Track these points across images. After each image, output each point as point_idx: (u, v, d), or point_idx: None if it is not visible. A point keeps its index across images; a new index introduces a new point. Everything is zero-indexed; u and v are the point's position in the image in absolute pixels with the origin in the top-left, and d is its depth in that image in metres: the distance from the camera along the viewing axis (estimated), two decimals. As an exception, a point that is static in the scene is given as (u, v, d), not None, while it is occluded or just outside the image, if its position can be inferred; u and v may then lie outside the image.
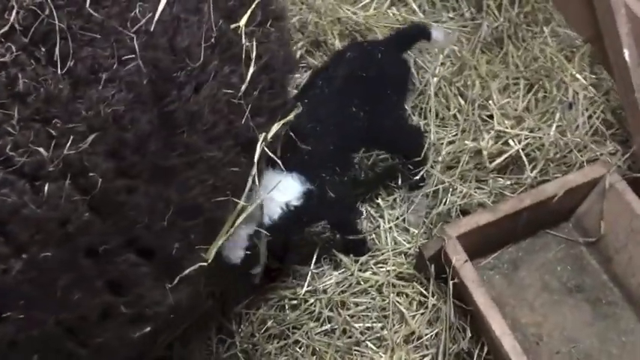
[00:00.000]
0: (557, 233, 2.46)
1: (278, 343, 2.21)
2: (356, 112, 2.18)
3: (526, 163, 2.37)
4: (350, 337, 2.21)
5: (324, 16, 2.77)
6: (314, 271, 2.31)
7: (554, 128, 2.41)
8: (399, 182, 2.47)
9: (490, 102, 2.54)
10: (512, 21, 2.78)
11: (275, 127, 1.31)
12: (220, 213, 1.27)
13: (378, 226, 2.42)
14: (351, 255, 2.34)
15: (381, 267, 2.33)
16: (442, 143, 2.48)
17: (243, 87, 1.18)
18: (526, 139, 2.39)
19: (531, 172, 2.37)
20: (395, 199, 2.48)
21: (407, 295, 2.28)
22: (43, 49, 0.96)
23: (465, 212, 2.38)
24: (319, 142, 2.11)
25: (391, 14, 2.88)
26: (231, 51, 1.19)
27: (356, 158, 2.40)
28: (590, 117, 2.53)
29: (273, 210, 1.97)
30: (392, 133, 2.31)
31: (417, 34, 2.42)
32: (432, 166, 2.44)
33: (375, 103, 2.22)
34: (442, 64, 2.70)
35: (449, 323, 2.19)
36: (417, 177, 2.42)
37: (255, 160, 1.28)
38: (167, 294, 1.24)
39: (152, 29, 1.05)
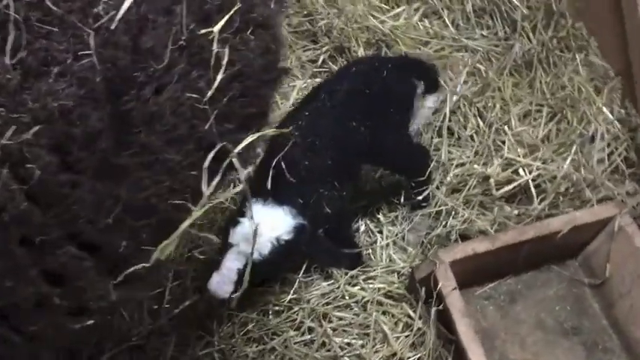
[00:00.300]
0: (561, 270, 2.41)
1: (257, 347, 2.23)
2: (357, 126, 2.17)
3: (534, 194, 2.32)
4: (329, 351, 2.21)
5: (352, 23, 2.76)
6: (302, 279, 2.31)
7: (568, 161, 2.36)
8: (402, 200, 2.45)
9: (506, 127, 2.50)
10: (546, 45, 2.73)
11: (248, 139, 1.31)
12: (177, 215, 1.28)
13: (375, 242, 2.41)
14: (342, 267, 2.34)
15: (371, 283, 2.32)
16: (452, 164, 2.45)
17: (210, 92, 1.19)
18: (537, 169, 2.34)
19: (539, 204, 2.32)
20: (397, 216, 2.46)
21: (393, 315, 2.26)
22: (-3, 37, 0.99)
23: (465, 237, 2.35)
24: (318, 155, 2.12)
25: (422, 26, 2.85)
26: (202, 55, 1.20)
27: (359, 172, 2.38)
28: (611, 153, 2.47)
29: (264, 245, 1.97)
30: (394, 151, 2.31)
31: (425, 73, 2.43)
32: (437, 187, 2.42)
33: (378, 119, 2.21)
34: (465, 82, 2.66)
35: (432, 349, 2.17)
36: (420, 197, 2.40)
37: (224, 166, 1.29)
38: (111, 290, 1.26)
39: (113, 27, 1.07)
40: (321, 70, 2.80)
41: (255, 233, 1.69)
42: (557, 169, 2.33)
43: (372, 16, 2.84)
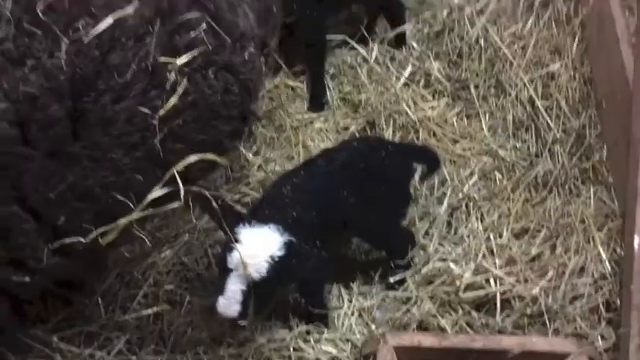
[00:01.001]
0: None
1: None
2: (346, 196, 2.42)
3: (498, 308, 2.47)
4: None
5: (387, 103, 3.03)
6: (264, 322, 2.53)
7: (540, 285, 2.49)
8: (377, 277, 2.65)
9: (498, 236, 2.67)
10: (567, 172, 2.89)
11: (192, 158, 1.61)
12: (118, 209, 1.59)
13: (341, 307, 2.61)
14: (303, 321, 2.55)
15: (323, 345, 2.51)
16: (435, 256, 2.64)
17: (161, 111, 1.50)
18: (509, 284, 2.49)
19: (502, 320, 2.46)
20: (370, 290, 2.66)
21: (334, 384, 2.44)
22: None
23: (425, 328, 2.52)
24: (305, 210, 2.36)
25: (454, 122, 3.08)
26: (162, 79, 1.51)
27: (343, 239, 2.61)
28: (595, 291, 2.57)
29: (261, 265, 2.20)
30: (378, 229, 2.54)
31: (428, 159, 2.68)
32: (414, 273, 2.61)
33: (368, 195, 2.46)
34: (474, 184, 2.86)
35: None
36: (394, 279, 2.59)
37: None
38: (46, 253, 1.57)
39: (86, 41, 1.40)
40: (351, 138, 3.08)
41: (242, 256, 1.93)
42: (527, 291, 2.47)
43: (413, 102, 3.10)
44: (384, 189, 2.51)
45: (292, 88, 3.26)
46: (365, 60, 3.26)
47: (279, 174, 2.81)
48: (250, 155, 2.96)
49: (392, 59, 3.29)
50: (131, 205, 1.55)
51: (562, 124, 3.03)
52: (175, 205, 1.69)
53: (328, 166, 2.46)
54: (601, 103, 3.01)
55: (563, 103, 3.07)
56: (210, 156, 1.67)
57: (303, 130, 3.10)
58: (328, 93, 3.19)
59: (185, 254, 2.72)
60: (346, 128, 3.12)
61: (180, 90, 1.51)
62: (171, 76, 1.49)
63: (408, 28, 3.33)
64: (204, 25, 1.53)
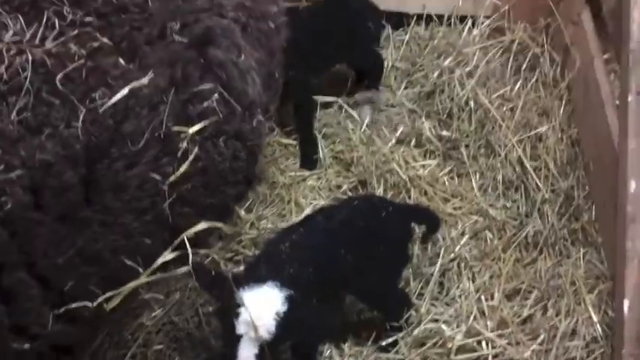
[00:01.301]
0: None
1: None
2: (344, 254, 2.48)
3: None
4: None
5: (377, 162, 3.12)
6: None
7: (532, 348, 2.55)
8: (370, 340, 2.69)
9: (490, 298, 2.74)
10: (556, 232, 2.98)
11: (202, 225, 1.67)
12: (125, 274, 1.64)
13: (332, 368, 2.65)
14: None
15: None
16: (427, 318, 2.70)
17: (172, 178, 1.57)
18: (500, 347, 2.55)
19: (494, 383, 2.52)
20: (362, 352, 2.70)
21: None
22: (14, 97, 1.42)
23: (416, 391, 2.56)
24: (301, 267, 2.41)
25: (445, 181, 3.17)
26: (174, 146, 1.59)
27: (338, 296, 2.66)
28: (587, 355, 2.64)
29: (269, 324, 2.20)
30: (374, 289, 2.59)
31: (427, 221, 2.75)
32: (405, 335, 2.66)
33: (366, 254, 2.52)
34: (466, 244, 2.94)
35: None
36: (386, 342, 2.64)
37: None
38: (50, 319, 1.61)
39: (101, 111, 1.48)
40: (343, 196, 3.15)
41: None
42: (518, 354, 2.53)
43: (405, 161, 3.19)
44: (383, 249, 2.57)
45: (285, 146, 3.33)
46: (355, 120, 3.35)
47: (271, 231, 2.88)
48: (242, 212, 3.01)
49: (383, 119, 3.39)
50: (139, 269, 1.60)
51: (551, 184, 3.12)
52: (183, 269, 1.74)
53: (326, 224, 2.51)
54: (588, 164, 3.11)
55: (551, 164, 3.16)
56: (218, 224, 1.74)
57: (295, 187, 3.17)
58: (320, 151, 3.27)
59: (176, 314, 2.75)
60: (339, 187, 3.19)
61: (191, 157, 1.58)
62: (183, 144, 1.56)
63: (375, 95, 3.43)
64: (216, 95, 1.62)
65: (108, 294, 1.59)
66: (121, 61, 1.60)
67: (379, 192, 3.09)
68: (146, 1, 1.73)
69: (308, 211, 3.01)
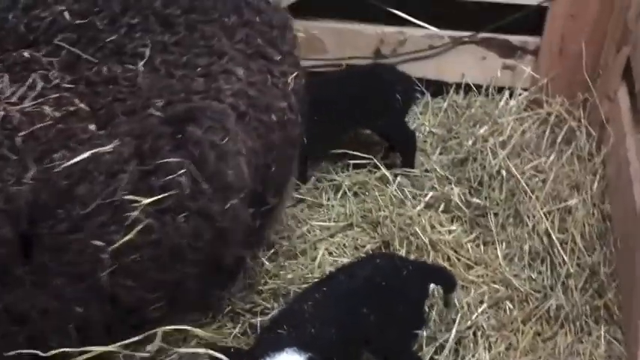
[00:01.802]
0: None
1: None
2: (367, 313, 2.25)
3: None
4: None
5: (403, 224, 2.90)
6: None
7: None
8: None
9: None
10: (579, 310, 2.66)
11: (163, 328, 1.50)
12: (56, 339, 1.50)
13: None
14: None
15: None
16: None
17: (115, 245, 1.45)
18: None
19: None
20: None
21: None
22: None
23: None
24: (324, 327, 2.19)
25: (469, 248, 2.91)
26: (124, 216, 1.47)
27: (360, 356, 2.44)
28: None
29: None
30: (393, 347, 2.35)
31: (444, 281, 2.50)
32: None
33: (387, 313, 2.29)
34: (484, 312, 2.65)
35: None
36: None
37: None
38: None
39: (55, 171, 1.39)
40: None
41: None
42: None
43: (430, 226, 2.96)
44: (402, 308, 2.35)
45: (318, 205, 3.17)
46: (387, 181, 3.16)
47: (291, 283, 2.71)
48: (266, 261, 2.86)
49: (414, 182, 3.18)
50: (71, 336, 1.47)
51: (577, 258, 2.80)
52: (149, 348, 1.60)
53: (350, 283, 2.31)
54: (617, 241, 2.78)
55: (578, 238, 2.85)
56: (187, 327, 1.59)
57: (324, 242, 2.98)
58: (349, 207, 3.08)
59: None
60: (363, 246, 3.00)
61: (138, 227, 1.46)
62: (134, 214, 1.45)
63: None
64: (183, 170, 1.50)
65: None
66: (92, 127, 1.52)
67: (402, 253, 2.87)
68: (137, 76, 1.66)
69: (330, 268, 2.82)
